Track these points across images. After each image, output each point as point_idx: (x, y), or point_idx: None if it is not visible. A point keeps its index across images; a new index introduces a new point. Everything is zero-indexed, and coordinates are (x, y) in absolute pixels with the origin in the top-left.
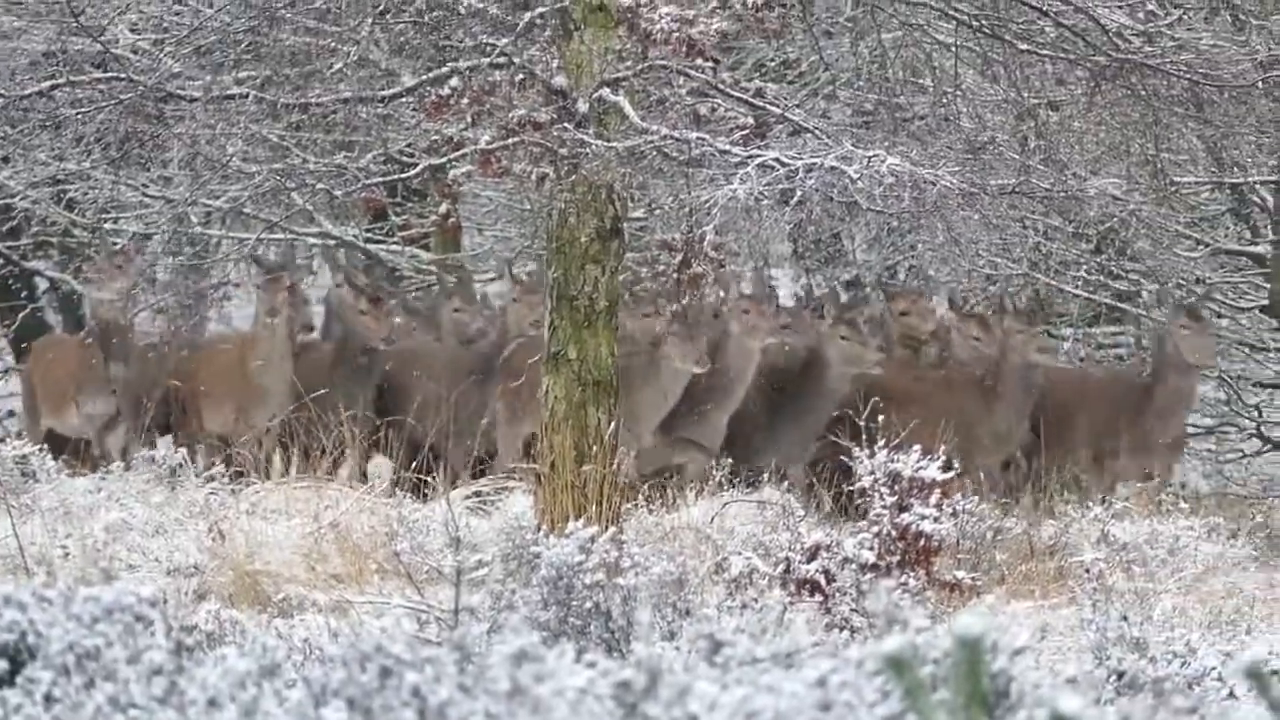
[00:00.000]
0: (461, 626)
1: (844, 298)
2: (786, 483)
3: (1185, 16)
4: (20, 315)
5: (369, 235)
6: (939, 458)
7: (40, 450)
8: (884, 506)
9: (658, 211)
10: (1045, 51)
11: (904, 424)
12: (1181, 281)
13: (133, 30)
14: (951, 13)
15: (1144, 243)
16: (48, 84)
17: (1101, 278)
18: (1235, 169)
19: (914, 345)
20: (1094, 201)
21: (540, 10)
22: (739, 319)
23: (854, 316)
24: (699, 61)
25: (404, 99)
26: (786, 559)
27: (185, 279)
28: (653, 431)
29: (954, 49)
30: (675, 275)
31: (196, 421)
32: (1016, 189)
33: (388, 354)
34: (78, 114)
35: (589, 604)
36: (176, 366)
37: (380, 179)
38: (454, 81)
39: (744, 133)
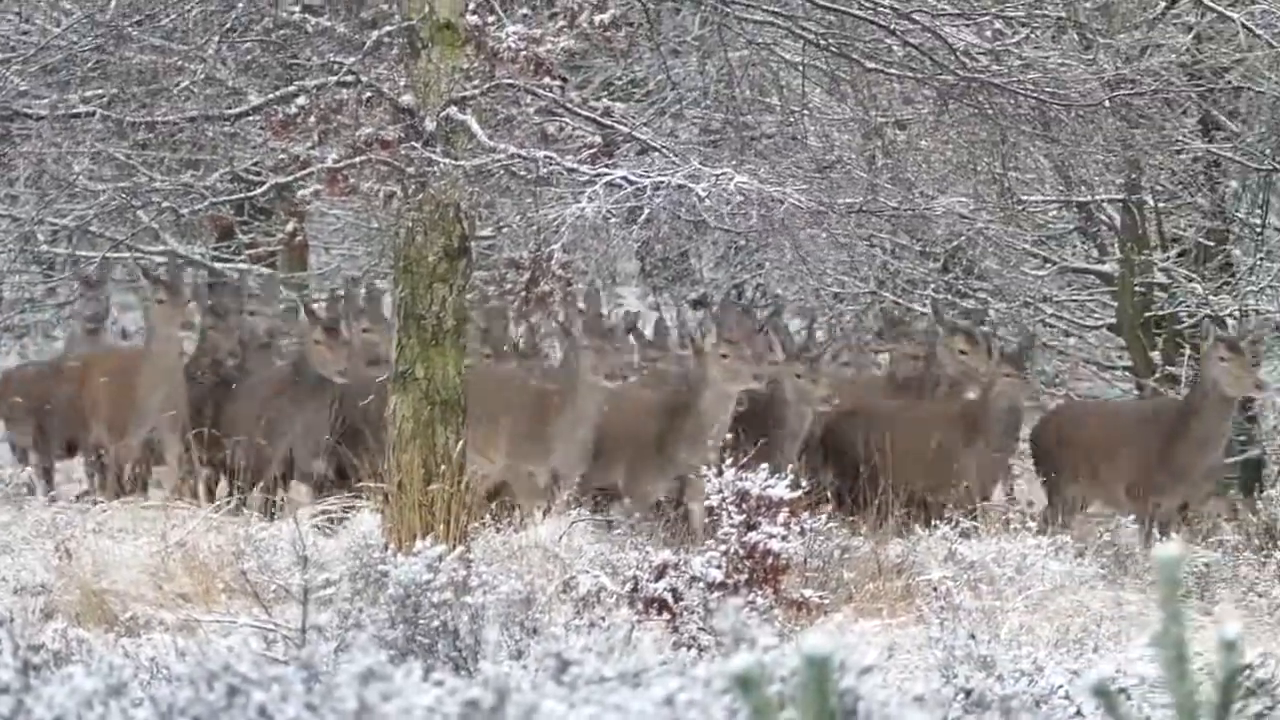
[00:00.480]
0: (309, 645)
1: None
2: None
3: (1032, 35)
4: None
5: (215, 254)
6: (787, 476)
7: None
8: (732, 525)
9: (505, 230)
10: (893, 70)
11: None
12: (1029, 300)
13: None
14: (799, 32)
15: (991, 261)
16: None
17: (949, 296)
18: (1082, 187)
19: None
20: (941, 220)
21: (388, 29)
22: (716, 363)
23: (809, 354)
24: (546, 80)
25: (251, 117)
26: (634, 577)
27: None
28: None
29: (801, 68)
30: (523, 294)
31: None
32: (864, 207)
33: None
34: None
35: (436, 622)
36: (70, 380)
37: (227, 197)
38: (301, 100)
39: (591, 151)
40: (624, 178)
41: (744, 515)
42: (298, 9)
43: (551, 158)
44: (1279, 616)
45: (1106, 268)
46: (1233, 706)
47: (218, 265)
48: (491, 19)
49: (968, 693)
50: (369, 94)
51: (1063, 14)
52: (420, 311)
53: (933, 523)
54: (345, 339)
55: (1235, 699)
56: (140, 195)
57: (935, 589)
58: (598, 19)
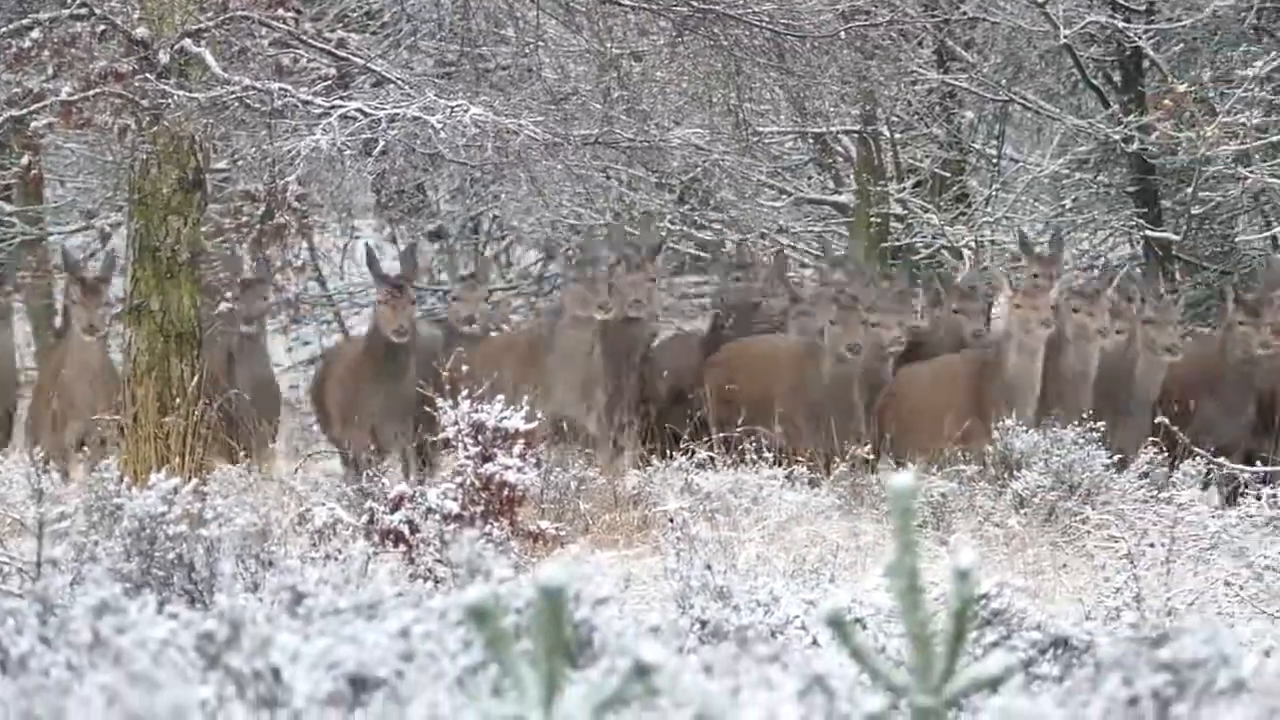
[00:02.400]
0: (43, 579)
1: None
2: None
3: None
4: None
5: None
6: (522, 408)
7: None
8: (468, 457)
9: (240, 162)
10: (627, 2)
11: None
12: (765, 231)
13: None
14: None
15: (728, 192)
16: None
17: (685, 227)
18: (818, 119)
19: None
20: (677, 151)
21: None
22: (1071, 319)
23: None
24: (280, 12)
25: None
26: (370, 510)
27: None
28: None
29: (536, 0)
30: (258, 226)
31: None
32: (599, 139)
33: None
34: None
35: (172, 555)
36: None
37: None
38: (35, 33)
39: (326, 83)
40: (359, 110)
41: (480, 447)
42: None
43: (286, 90)
44: (1015, 546)
45: (843, 199)
46: (967, 636)
47: None
48: None
49: (704, 623)
50: (103, 27)
51: None
52: (155, 244)
53: (669, 454)
54: (411, 297)
55: (970, 629)
56: None
57: (671, 520)
58: None
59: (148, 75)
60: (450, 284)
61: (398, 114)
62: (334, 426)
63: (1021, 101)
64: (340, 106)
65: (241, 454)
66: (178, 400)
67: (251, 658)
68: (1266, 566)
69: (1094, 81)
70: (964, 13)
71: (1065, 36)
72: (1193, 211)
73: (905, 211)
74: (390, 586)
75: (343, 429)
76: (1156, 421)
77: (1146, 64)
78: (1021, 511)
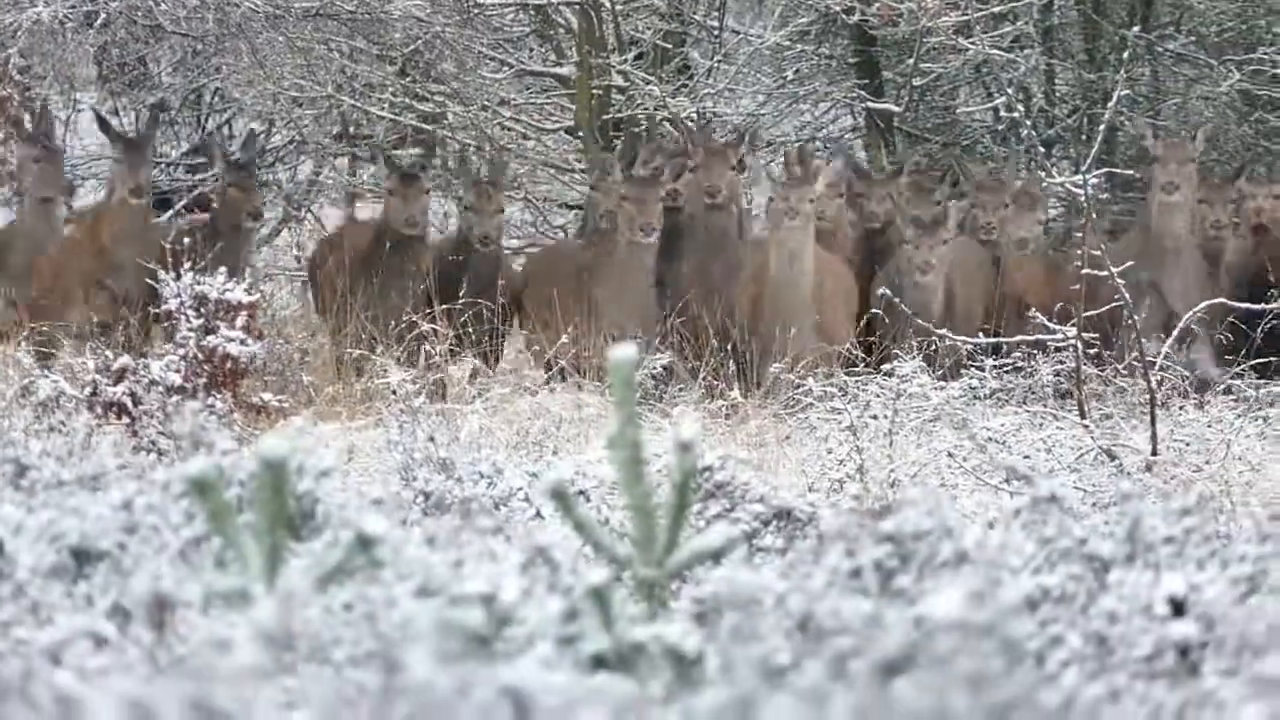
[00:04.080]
0: None
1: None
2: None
3: None
4: None
5: None
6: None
7: None
8: (190, 329)
9: None
10: None
11: None
12: (487, 104)
13: None
14: None
15: (449, 64)
16: None
17: (407, 100)
18: None
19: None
20: (399, 23)
21: None
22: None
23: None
24: None
25: None
26: (94, 382)
27: None
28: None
29: None
30: None
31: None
32: (320, 11)
33: None
34: None
35: None
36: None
37: None
38: None
39: None
40: None
41: (202, 319)
42: None
43: None
44: (739, 419)
45: (564, 71)
46: (689, 508)
47: None
48: None
49: (427, 495)
50: None
51: None
52: None
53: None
54: (424, 188)
55: (692, 501)
56: None
57: (394, 392)
58: None
59: None
60: (464, 192)
61: None
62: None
63: None
64: None
65: None
66: None
67: None
68: (989, 439)
69: None
70: None
71: None
72: (914, 83)
73: (627, 84)
74: (113, 459)
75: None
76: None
77: None
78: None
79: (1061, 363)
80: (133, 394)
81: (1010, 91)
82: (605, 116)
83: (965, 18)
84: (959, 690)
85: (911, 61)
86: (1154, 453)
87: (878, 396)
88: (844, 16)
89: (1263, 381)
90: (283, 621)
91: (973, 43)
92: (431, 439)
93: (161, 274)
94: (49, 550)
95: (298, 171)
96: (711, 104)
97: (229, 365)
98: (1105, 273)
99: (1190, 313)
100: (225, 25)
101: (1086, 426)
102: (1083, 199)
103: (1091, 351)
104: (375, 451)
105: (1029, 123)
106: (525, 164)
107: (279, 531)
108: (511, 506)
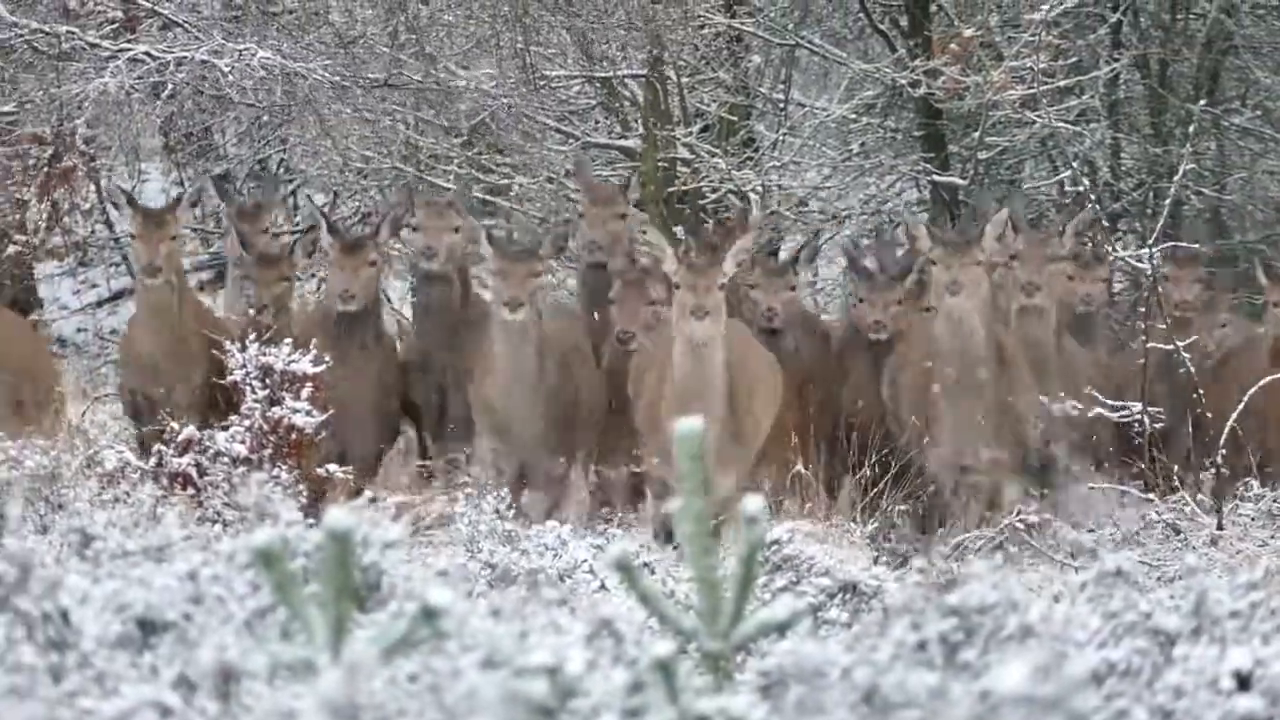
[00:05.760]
0: None
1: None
2: None
3: None
4: None
5: None
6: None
7: None
8: (256, 400)
9: (29, 105)
10: None
11: None
12: (552, 175)
13: None
14: None
15: (515, 136)
16: None
17: (473, 171)
18: (605, 63)
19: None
20: (465, 96)
21: None
22: None
23: None
24: None
25: None
26: (159, 453)
27: None
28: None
29: None
30: (46, 169)
31: None
32: (387, 82)
33: None
34: None
35: None
36: None
37: None
38: None
39: (114, 26)
40: (147, 53)
41: (268, 390)
42: None
43: (74, 33)
44: (811, 492)
45: (630, 143)
46: (755, 580)
47: None
48: None
49: (493, 567)
50: None
51: None
52: None
53: None
54: (369, 258)
55: (759, 574)
56: None
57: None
58: None
59: None
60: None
61: (185, 57)
62: None
63: (808, 46)
64: (128, 49)
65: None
66: None
67: (40, 600)
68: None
69: (880, 26)
70: None
71: None
72: (979, 156)
73: (692, 156)
74: (179, 530)
75: None
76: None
77: (933, 8)
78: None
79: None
80: (198, 465)
81: (1076, 165)
82: (670, 189)
83: (1031, 91)
84: None
85: (977, 135)
86: (1219, 527)
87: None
88: (910, 90)
89: None
90: (348, 692)
91: (1038, 116)
92: (498, 512)
93: (227, 344)
94: (115, 620)
95: None
96: (777, 177)
97: (294, 436)
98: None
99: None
100: (292, 96)
101: (1152, 500)
102: (1148, 274)
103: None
104: (441, 524)
105: (1094, 197)
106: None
107: (344, 603)
108: (577, 578)
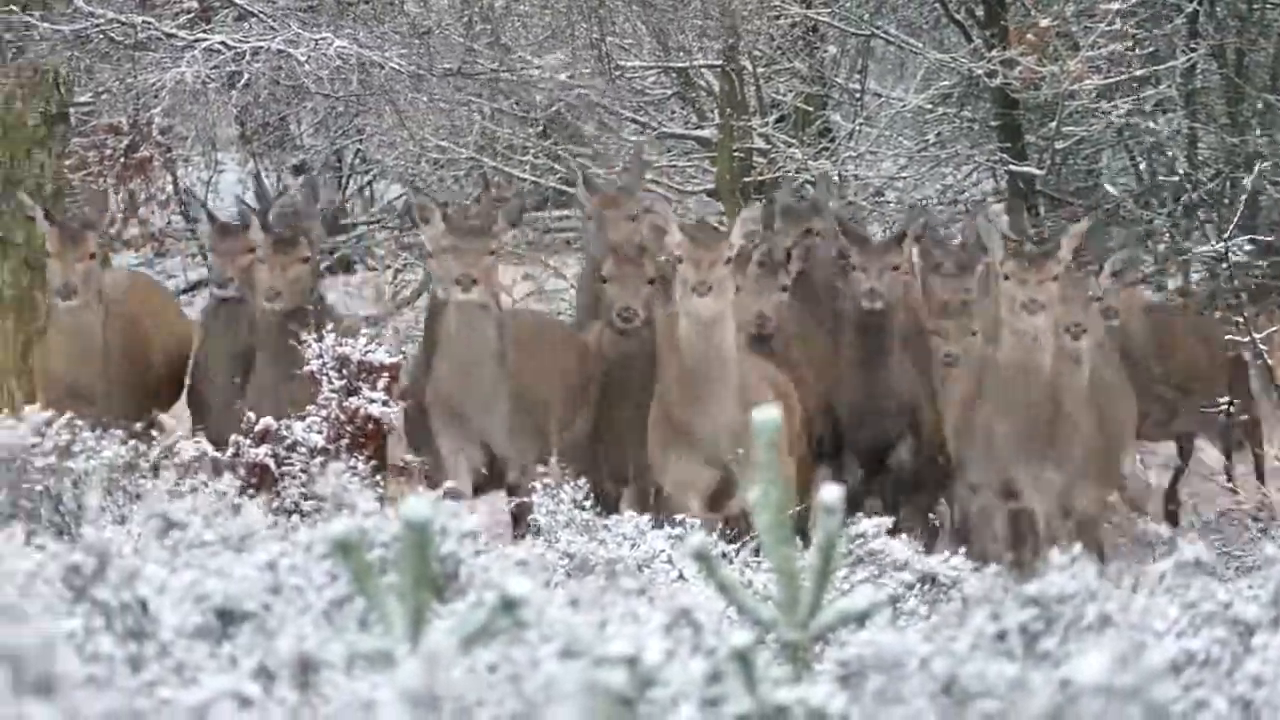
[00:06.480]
0: None
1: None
2: None
3: None
4: None
5: None
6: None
7: None
8: (333, 390)
9: (105, 96)
10: None
11: None
12: (628, 166)
13: None
14: None
15: (591, 126)
16: None
17: (549, 162)
18: (681, 53)
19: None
20: (541, 86)
21: None
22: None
23: None
24: None
25: None
26: (237, 443)
27: None
28: None
29: None
30: (123, 159)
31: None
32: (462, 70)
33: None
34: None
35: (40, 488)
36: None
37: None
38: None
39: (190, 15)
40: (223, 43)
41: (345, 380)
42: None
43: (150, 22)
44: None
45: (706, 133)
46: (834, 570)
47: None
48: None
49: (571, 557)
50: None
51: None
52: (20, 177)
53: None
54: (303, 255)
55: (837, 564)
56: None
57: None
58: None
59: (12, 6)
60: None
61: (262, 47)
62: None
63: (884, 36)
64: (204, 39)
65: None
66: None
67: (119, 590)
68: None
69: (956, 16)
70: None
71: None
72: (1056, 146)
73: (768, 146)
74: (257, 519)
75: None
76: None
77: None
78: None
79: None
80: (276, 455)
81: (1152, 156)
82: (746, 179)
83: (1107, 81)
84: None
85: (1054, 125)
86: None
87: None
88: (986, 80)
89: None
90: (427, 683)
91: (1115, 106)
92: (575, 503)
93: (304, 335)
94: (194, 610)
95: None
96: (853, 167)
97: (372, 426)
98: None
99: None
100: (368, 86)
101: (1234, 491)
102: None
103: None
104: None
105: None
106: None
107: (422, 593)
108: (655, 568)
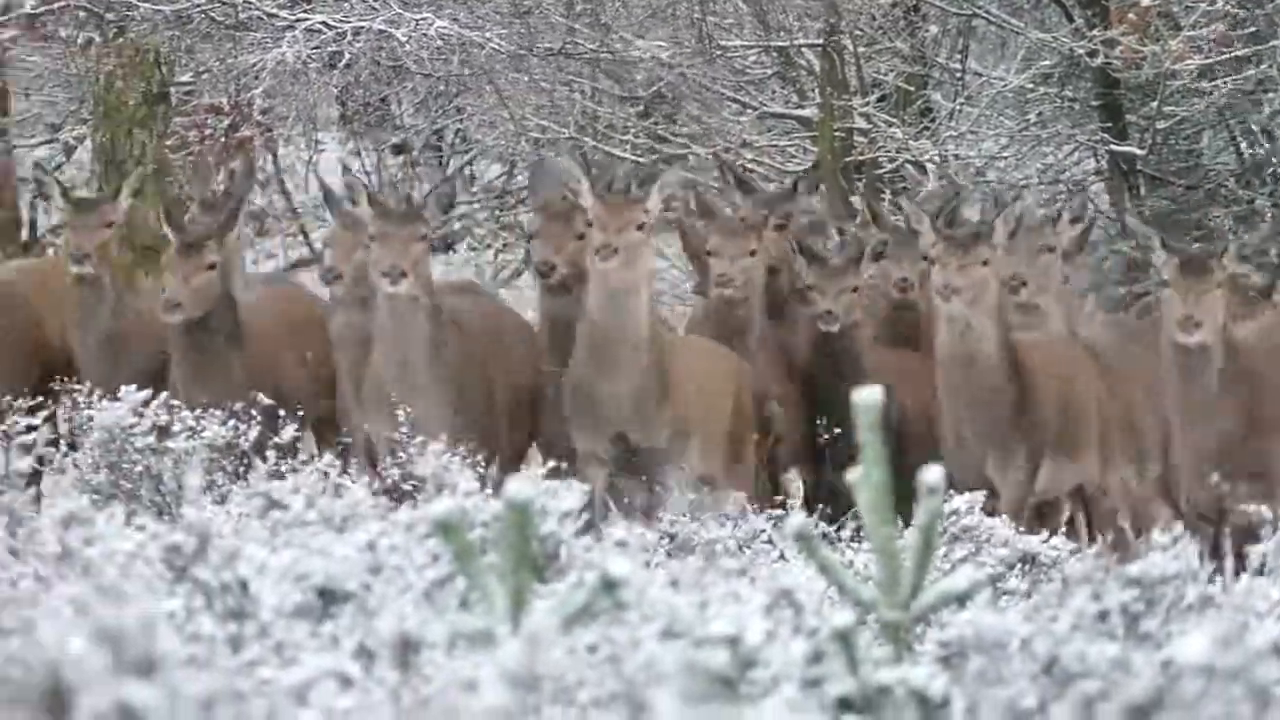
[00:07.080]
0: (10, 490)
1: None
2: None
3: None
4: None
5: None
6: None
7: None
8: None
9: (205, 75)
10: None
11: None
12: (729, 145)
13: None
14: None
15: (692, 106)
16: None
17: (650, 141)
18: (781, 33)
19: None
20: (641, 66)
21: None
22: None
23: None
24: None
25: None
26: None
27: None
28: None
29: None
30: (223, 139)
31: None
32: (563, 50)
33: None
34: None
35: (140, 468)
36: None
37: None
38: None
39: None
40: (324, 23)
41: None
42: None
43: (250, 3)
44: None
45: (806, 112)
46: (934, 550)
47: None
48: None
49: (672, 537)
50: None
51: None
52: (120, 157)
53: None
54: (107, 219)
55: (938, 544)
56: None
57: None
58: None
59: None
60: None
61: (363, 27)
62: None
63: (985, 15)
64: (305, 19)
65: None
66: None
67: (219, 570)
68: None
69: None
70: None
71: None
72: (1157, 126)
73: (869, 126)
74: (360, 498)
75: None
76: None
77: None
78: None
79: None
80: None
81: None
82: (847, 159)
83: (1208, 61)
84: None
85: (1155, 104)
86: None
87: None
88: (1087, 59)
89: None
90: (528, 663)
91: (1216, 86)
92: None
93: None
94: (294, 590)
95: None
96: (954, 147)
97: None
98: None
99: None
100: (469, 65)
101: None
102: None
103: None
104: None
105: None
106: None
107: (523, 573)
108: (755, 549)
